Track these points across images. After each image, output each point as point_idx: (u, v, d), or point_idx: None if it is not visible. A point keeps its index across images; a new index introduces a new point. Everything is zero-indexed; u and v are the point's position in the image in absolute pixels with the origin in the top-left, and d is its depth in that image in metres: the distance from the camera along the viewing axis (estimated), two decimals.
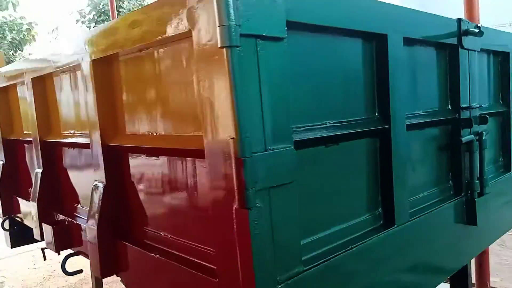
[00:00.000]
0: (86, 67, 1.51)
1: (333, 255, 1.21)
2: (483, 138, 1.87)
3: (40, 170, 2.05)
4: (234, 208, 1.01)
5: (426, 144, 1.71)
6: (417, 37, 1.54)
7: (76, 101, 1.73)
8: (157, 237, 1.40)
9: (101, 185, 1.54)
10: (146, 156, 1.39)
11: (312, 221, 1.21)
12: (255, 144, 0.96)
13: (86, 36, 1.51)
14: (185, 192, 1.25)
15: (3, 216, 2.62)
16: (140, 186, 1.44)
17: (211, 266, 1.17)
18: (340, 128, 1.30)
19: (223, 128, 0.98)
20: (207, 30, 0.98)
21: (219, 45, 0.92)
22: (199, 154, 1.12)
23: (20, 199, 2.41)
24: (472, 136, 1.82)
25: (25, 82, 2.05)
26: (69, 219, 1.85)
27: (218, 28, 0.91)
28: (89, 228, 1.55)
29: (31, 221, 2.17)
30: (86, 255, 1.81)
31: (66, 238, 1.86)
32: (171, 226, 1.33)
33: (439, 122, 1.74)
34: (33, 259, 7.22)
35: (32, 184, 2.35)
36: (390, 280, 1.46)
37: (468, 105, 1.83)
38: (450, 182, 1.87)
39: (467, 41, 1.77)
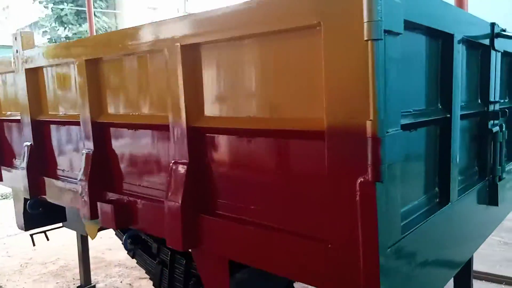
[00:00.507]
0: (174, 52, 1.59)
1: (411, 229, 1.38)
2: (503, 129, 2.12)
3: (90, 151, 2.09)
4: (359, 182, 1.16)
5: (465, 133, 1.93)
6: (468, 38, 1.74)
7: (152, 84, 1.79)
8: (248, 211, 1.51)
9: (183, 165, 1.63)
10: (238, 136, 1.50)
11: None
12: (385, 126, 1.11)
13: (178, 22, 1.59)
14: (285, 170, 1.38)
15: (31, 198, 2.61)
16: (229, 165, 1.55)
17: (318, 235, 1.31)
18: (419, 116, 1.47)
19: (358, 112, 1.12)
20: (346, 24, 1.11)
21: (365, 38, 1.06)
22: (310, 134, 1.26)
23: (52, 180, 2.43)
24: (498, 127, 2.07)
25: (76, 64, 2.08)
26: (129, 197, 1.92)
27: (366, 23, 1.05)
28: (171, 205, 1.64)
29: (76, 201, 2.21)
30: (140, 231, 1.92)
31: (126, 215, 1.93)
32: (267, 202, 1.45)
33: (473, 114, 1.97)
34: (4, 247, 7.00)
35: (58, 164, 2.38)
36: (445, 252, 1.67)
37: (494, 99, 2.07)
38: (476, 167, 2.11)
39: (497, 43, 2.01)
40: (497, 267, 4.65)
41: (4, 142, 3.00)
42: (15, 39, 2.53)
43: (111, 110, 2.05)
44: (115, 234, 3.30)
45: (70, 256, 6.22)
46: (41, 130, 2.56)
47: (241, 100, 1.47)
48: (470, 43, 1.81)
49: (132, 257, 3.15)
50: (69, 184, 2.32)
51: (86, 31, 18.70)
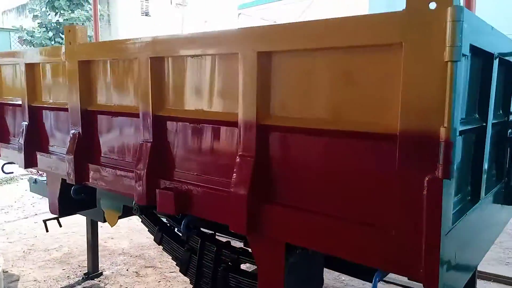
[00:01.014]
0: (249, 56, 1.78)
1: (457, 221, 1.62)
2: None
3: (149, 142, 2.27)
4: (427, 179, 1.38)
5: (491, 139, 2.19)
6: (500, 56, 1.99)
7: (220, 83, 1.99)
8: (312, 202, 1.73)
9: (250, 158, 1.84)
10: (308, 135, 1.71)
11: None
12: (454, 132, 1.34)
13: (254, 30, 1.79)
14: (354, 166, 1.60)
15: (76, 184, 2.76)
16: (297, 161, 1.76)
17: (380, 223, 1.53)
18: (465, 123, 1.71)
19: (432, 119, 1.34)
20: (427, 46, 1.34)
21: (447, 60, 1.29)
22: (381, 136, 1.48)
23: (102, 167, 2.59)
24: None
25: (141, 60, 2.25)
26: (188, 185, 2.12)
27: (448, 48, 1.28)
28: (237, 194, 1.84)
29: (129, 188, 2.39)
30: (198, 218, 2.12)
31: (185, 202, 2.12)
32: (332, 193, 1.67)
33: (497, 123, 2.22)
34: (4, 232, 7.04)
35: (107, 152, 2.55)
36: (475, 243, 1.94)
37: None
38: (494, 170, 2.37)
39: None
40: (485, 265, 4.96)
41: (40, 129, 3.14)
42: (69, 31, 2.67)
43: (171, 105, 2.22)
44: (141, 221, 3.46)
45: (73, 243, 6.33)
46: (89, 119, 2.71)
47: (314, 102, 1.68)
48: (501, 61, 2.06)
49: (159, 244, 3.33)
50: (121, 172, 2.49)
51: (78, 17, 18.54)
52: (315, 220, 1.69)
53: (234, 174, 1.90)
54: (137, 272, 5.43)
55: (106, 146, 2.67)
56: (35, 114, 3.20)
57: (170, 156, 2.26)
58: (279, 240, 1.85)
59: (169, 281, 5.17)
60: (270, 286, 1.95)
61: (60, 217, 3.31)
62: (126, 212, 4.06)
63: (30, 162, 3.19)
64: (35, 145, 3.21)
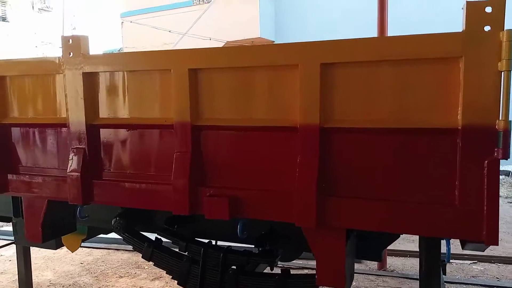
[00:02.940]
0: (311, 68, 2.03)
1: None
2: None
3: (187, 152, 2.32)
4: (487, 161, 1.80)
5: None
6: None
7: (274, 92, 2.17)
8: (376, 190, 2.04)
9: (314, 159, 2.07)
10: (371, 134, 2.02)
11: None
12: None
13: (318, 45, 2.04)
14: (420, 157, 1.96)
15: (84, 204, 2.61)
16: (365, 158, 2.05)
17: (445, 202, 1.91)
18: None
19: (490, 114, 1.77)
20: (484, 58, 1.76)
21: (502, 69, 1.72)
22: (444, 130, 1.87)
23: (121, 183, 2.52)
24: None
25: (177, 72, 2.30)
26: (242, 190, 2.24)
27: (505, 60, 1.71)
28: (307, 191, 2.06)
29: (161, 201, 2.39)
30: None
31: (238, 206, 2.24)
32: (398, 181, 2.00)
33: None
34: None
35: (126, 167, 2.52)
36: None
37: None
38: None
39: None
40: (397, 244, 5.83)
41: (11, 149, 2.85)
42: (69, 41, 2.53)
43: (209, 115, 2.32)
44: (124, 239, 3.35)
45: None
46: (96, 134, 2.59)
47: (380, 104, 1.99)
48: None
49: (149, 260, 3.27)
50: (143, 185, 2.46)
51: None
52: (387, 206, 1.99)
53: (299, 174, 2.10)
54: None
55: (120, 161, 2.59)
56: (3, 133, 2.88)
57: (212, 164, 2.34)
58: (341, 228, 2.11)
59: None
60: (332, 272, 2.18)
61: (42, 243, 3.01)
62: (91, 234, 3.85)
63: None
64: (4, 167, 2.89)
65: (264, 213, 2.22)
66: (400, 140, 1.98)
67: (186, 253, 3.21)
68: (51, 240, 3.08)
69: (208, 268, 3.09)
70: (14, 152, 2.89)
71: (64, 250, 6.86)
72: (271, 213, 2.20)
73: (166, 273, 3.23)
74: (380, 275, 5.61)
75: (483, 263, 6.09)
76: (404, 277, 5.67)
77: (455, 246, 2.97)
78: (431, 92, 1.91)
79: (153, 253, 3.26)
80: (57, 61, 2.63)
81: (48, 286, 5.51)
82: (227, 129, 2.30)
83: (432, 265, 2.79)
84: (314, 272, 3.03)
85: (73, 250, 3.77)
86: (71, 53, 2.56)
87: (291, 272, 2.95)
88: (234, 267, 3.11)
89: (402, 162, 1.99)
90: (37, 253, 4.91)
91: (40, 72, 2.72)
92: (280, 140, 2.19)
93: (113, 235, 6.08)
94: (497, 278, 5.68)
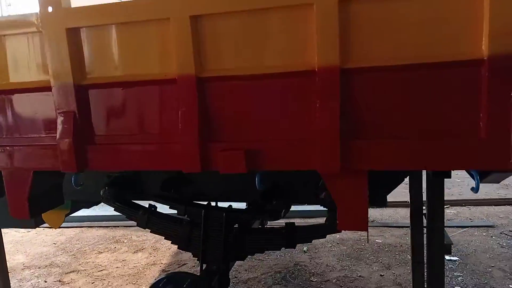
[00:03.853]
0: (328, 5, 1.91)
1: None
2: None
3: (194, 108, 2.17)
4: None
5: None
6: None
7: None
8: (399, 130, 2.00)
9: (334, 102, 1.99)
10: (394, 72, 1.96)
11: None
12: None
13: None
14: (444, 91, 1.92)
15: (78, 171, 2.39)
16: (381, 98, 1.99)
17: (471, 133, 1.90)
18: None
19: None
20: None
21: None
22: (468, 62, 1.84)
23: (124, 146, 2.33)
24: None
25: (175, 20, 2.10)
26: (259, 142, 2.13)
27: None
28: (330, 135, 1.99)
29: (171, 161, 2.24)
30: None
31: (256, 159, 2.13)
32: (421, 119, 1.96)
33: None
34: None
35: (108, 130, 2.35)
36: None
37: None
38: None
39: None
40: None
41: (1, 118, 2.55)
42: None
43: (216, 65, 2.16)
44: (115, 209, 3.18)
45: None
46: (85, 96, 2.36)
47: (402, 40, 1.91)
48: None
49: (145, 227, 3.14)
50: (145, 146, 2.29)
51: None
52: (412, 144, 1.96)
53: (320, 119, 2.01)
54: (60, 281, 4.85)
55: (116, 122, 2.38)
56: None
57: (223, 117, 2.20)
58: (364, 170, 2.07)
59: (104, 279, 4.78)
60: (355, 216, 2.15)
61: (30, 218, 2.77)
62: (75, 208, 3.64)
63: None
64: None
65: (284, 163, 2.13)
66: (424, 76, 1.93)
67: (185, 217, 3.10)
68: (39, 214, 2.85)
69: (210, 230, 3.00)
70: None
71: (32, 232, 6.51)
72: (291, 163, 2.11)
73: (164, 238, 3.10)
74: None
75: (455, 207, 6.44)
76: (384, 226, 5.88)
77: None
78: (455, 22, 1.86)
79: (149, 220, 3.12)
80: (34, 18, 2.33)
81: (22, 269, 5.23)
82: (236, 79, 2.15)
83: (436, 207, 2.86)
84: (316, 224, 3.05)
85: (56, 226, 3.54)
86: (51, 8, 2.27)
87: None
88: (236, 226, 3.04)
89: (426, 98, 1.95)
90: (3, 238, 4.62)
91: (15, 31, 2.41)
92: (297, 86, 2.08)
93: (83, 212, 5.83)
94: (470, 219, 6.01)
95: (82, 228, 6.56)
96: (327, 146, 2.02)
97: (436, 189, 2.81)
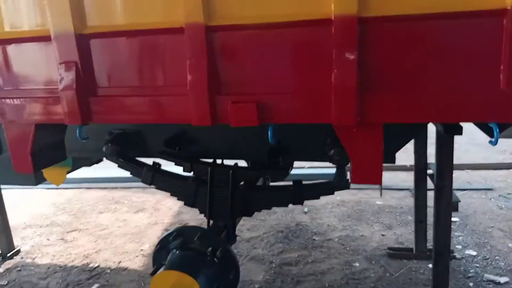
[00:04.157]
0: None
1: None
2: None
3: (204, 59, 2.08)
4: None
5: None
6: None
7: None
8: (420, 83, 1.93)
9: (351, 54, 1.91)
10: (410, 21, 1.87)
11: None
12: None
13: None
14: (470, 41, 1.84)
15: (83, 124, 2.32)
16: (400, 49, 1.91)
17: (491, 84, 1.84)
18: None
19: None
20: None
21: None
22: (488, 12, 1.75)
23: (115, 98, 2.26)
24: None
25: None
26: (271, 95, 2.06)
27: None
28: (345, 86, 1.92)
29: (179, 112, 2.17)
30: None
31: (267, 111, 2.07)
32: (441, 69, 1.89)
33: None
34: None
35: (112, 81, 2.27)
36: None
37: None
38: None
39: None
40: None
41: None
42: None
43: (225, 12, 2.05)
44: (119, 165, 3.13)
45: None
46: (87, 45, 2.26)
47: None
48: None
49: (150, 184, 3.11)
50: (160, 98, 2.21)
51: None
52: (431, 95, 1.90)
53: (337, 70, 1.94)
54: (62, 239, 4.87)
55: (120, 74, 2.29)
56: None
57: (233, 68, 2.11)
58: (379, 122, 2.02)
59: (106, 238, 4.81)
60: (370, 169, 2.12)
61: (33, 173, 2.72)
62: (76, 165, 3.60)
63: None
64: None
65: (298, 116, 2.06)
66: (444, 26, 1.85)
67: (191, 174, 3.06)
68: (43, 169, 2.79)
69: (216, 187, 2.97)
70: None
71: (30, 193, 6.49)
72: (305, 116, 2.05)
73: (170, 195, 3.07)
74: (361, 188, 5.79)
75: (454, 171, 6.44)
76: (384, 189, 5.90)
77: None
78: None
79: (154, 176, 3.08)
80: None
81: (23, 228, 5.24)
82: (248, 28, 2.05)
83: (445, 165, 2.83)
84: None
85: (58, 183, 3.50)
86: None
87: None
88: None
89: (446, 49, 1.87)
90: None
91: None
92: (312, 35, 1.99)
93: (81, 174, 5.79)
94: (469, 182, 6.05)
95: (80, 189, 6.55)
96: (343, 98, 1.95)
97: (446, 147, 2.77)
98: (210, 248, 2.64)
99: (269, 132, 2.21)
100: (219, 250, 2.64)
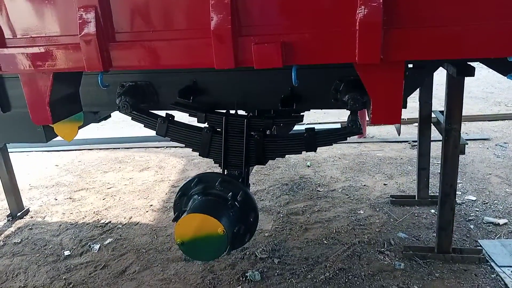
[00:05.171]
0: None
1: None
2: None
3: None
4: None
5: None
6: None
7: None
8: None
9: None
10: None
11: None
12: None
13: None
14: None
15: (104, 70, 2.32)
16: None
17: None
18: None
19: None
20: None
21: None
22: None
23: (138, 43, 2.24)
24: None
25: None
26: (294, 34, 2.07)
27: None
28: (370, 22, 1.94)
29: (203, 54, 2.18)
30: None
31: (291, 52, 2.09)
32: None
33: None
34: None
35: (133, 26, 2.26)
36: None
37: None
38: None
39: None
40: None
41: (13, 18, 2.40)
42: None
43: None
44: (132, 118, 3.15)
45: None
46: None
47: None
48: None
49: (165, 135, 3.14)
50: (182, 42, 2.21)
51: None
52: (454, 31, 1.93)
53: (360, 6, 1.95)
54: (70, 198, 4.92)
55: (140, 18, 2.26)
56: None
57: (256, 8, 2.11)
58: (401, 61, 2.06)
59: (114, 195, 4.87)
60: (390, 108, 2.17)
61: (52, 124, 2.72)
62: (88, 120, 3.61)
63: None
64: None
65: (321, 56, 2.08)
66: None
67: (205, 125, 3.10)
68: (61, 119, 2.79)
69: (231, 136, 3.02)
70: (2, 22, 2.44)
71: (30, 156, 6.48)
72: (329, 56, 2.07)
73: (185, 146, 3.11)
74: (361, 142, 5.91)
75: None
76: (383, 141, 6.02)
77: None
78: None
79: (169, 128, 3.11)
80: None
81: (29, 189, 5.28)
82: None
83: (455, 107, 2.91)
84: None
85: (69, 139, 3.50)
86: None
87: None
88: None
89: None
90: None
91: None
92: None
93: (80, 136, 5.78)
94: (466, 133, 6.19)
95: (81, 151, 6.55)
96: (368, 36, 1.97)
97: (457, 90, 2.84)
98: (230, 193, 2.71)
99: (293, 74, 2.24)
100: (239, 194, 2.72)
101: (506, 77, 2.10)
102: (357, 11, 1.97)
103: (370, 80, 2.16)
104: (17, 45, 2.47)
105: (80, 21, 2.26)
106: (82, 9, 2.25)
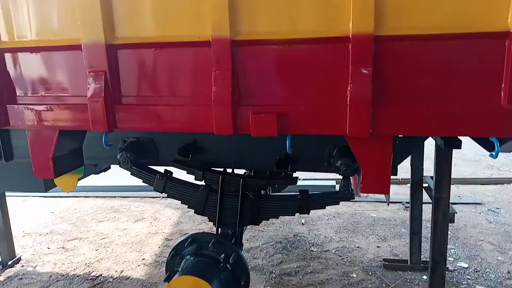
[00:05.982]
0: None
1: None
2: None
3: (227, 70, 2.23)
4: None
5: None
6: None
7: None
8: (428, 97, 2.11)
9: (367, 70, 2.08)
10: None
11: None
12: None
13: None
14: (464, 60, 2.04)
15: (108, 130, 2.44)
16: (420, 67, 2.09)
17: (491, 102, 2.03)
18: None
19: None
20: None
21: None
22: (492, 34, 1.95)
23: (140, 107, 2.39)
24: None
25: None
26: (290, 106, 2.21)
27: None
28: (361, 99, 2.08)
29: (203, 122, 2.31)
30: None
31: (286, 122, 2.22)
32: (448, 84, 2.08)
33: None
34: None
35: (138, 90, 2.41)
36: None
37: None
38: None
39: None
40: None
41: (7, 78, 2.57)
42: None
43: (250, 28, 2.21)
44: (132, 173, 3.23)
45: None
46: (115, 55, 2.39)
47: (430, 10, 2.00)
48: None
49: (162, 191, 3.21)
50: (185, 108, 2.35)
51: None
52: (437, 110, 2.07)
53: (353, 85, 2.10)
54: (63, 247, 4.90)
55: (147, 83, 2.41)
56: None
57: (256, 81, 2.26)
58: (388, 136, 2.19)
59: (107, 246, 4.86)
60: (379, 179, 2.27)
61: (54, 178, 2.81)
62: (87, 172, 3.69)
63: None
64: (3, 97, 2.61)
65: (314, 127, 2.22)
66: (451, 46, 2.04)
67: (202, 182, 3.18)
68: (62, 174, 2.88)
69: (227, 195, 3.09)
70: (15, 80, 2.60)
71: (26, 202, 6.49)
72: (321, 127, 2.21)
73: (181, 203, 3.18)
74: (356, 201, 5.95)
75: None
76: (378, 201, 6.07)
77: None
78: None
79: (166, 184, 3.19)
80: None
81: (23, 236, 5.26)
82: (270, 43, 2.21)
83: (444, 178, 3.01)
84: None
85: (69, 190, 3.56)
86: None
87: None
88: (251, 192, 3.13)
89: (452, 67, 2.05)
90: None
91: None
92: (329, 51, 2.16)
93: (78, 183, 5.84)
94: (458, 196, 6.26)
95: (78, 198, 6.57)
96: (358, 111, 2.11)
97: (445, 160, 2.95)
98: (223, 255, 2.75)
99: (287, 142, 2.36)
100: (231, 257, 2.75)
101: (488, 155, 2.22)
102: (349, 89, 2.12)
103: (360, 151, 2.27)
104: (27, 102, 2.60)
105: (90, 84, 2.41)
106: (93, 73, 2.40)
